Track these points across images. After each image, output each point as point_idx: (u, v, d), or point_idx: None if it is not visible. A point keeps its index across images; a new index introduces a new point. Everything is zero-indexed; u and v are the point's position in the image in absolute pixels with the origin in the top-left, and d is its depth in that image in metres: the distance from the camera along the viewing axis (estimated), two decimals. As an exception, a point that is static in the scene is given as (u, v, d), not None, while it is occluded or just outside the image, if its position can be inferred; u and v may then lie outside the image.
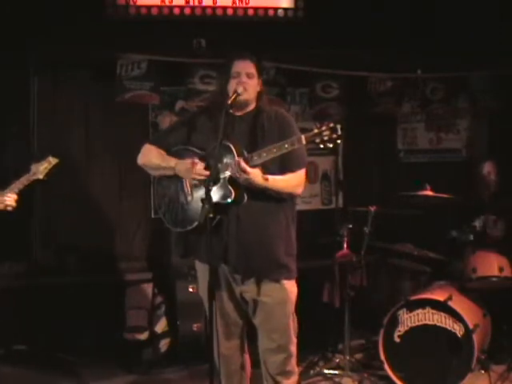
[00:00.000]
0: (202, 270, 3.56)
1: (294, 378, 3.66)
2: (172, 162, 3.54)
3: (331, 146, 3.21)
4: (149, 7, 5.21)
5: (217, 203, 3.33)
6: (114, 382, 4.72)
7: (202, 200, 3.21)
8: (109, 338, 5.03)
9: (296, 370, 3.67)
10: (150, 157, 3.61)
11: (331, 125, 3.16)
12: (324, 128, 3.16)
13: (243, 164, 3.28)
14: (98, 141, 5.52)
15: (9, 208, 3.71)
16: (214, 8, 5.30)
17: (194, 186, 3.49)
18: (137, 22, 5.26)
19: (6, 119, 5.24)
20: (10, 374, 4.67)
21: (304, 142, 3.22)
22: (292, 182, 3.48)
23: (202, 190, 3.37)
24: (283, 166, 3.45)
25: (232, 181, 3.36)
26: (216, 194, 3.36)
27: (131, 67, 5.35)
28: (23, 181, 3.75)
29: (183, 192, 3.53)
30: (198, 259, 3.59)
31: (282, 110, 3.70)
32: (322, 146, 3.21)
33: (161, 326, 5.10)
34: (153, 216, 5.56)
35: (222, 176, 3.36)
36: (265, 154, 3.30)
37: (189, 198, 3.51)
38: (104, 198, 5.51)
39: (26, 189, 3.80)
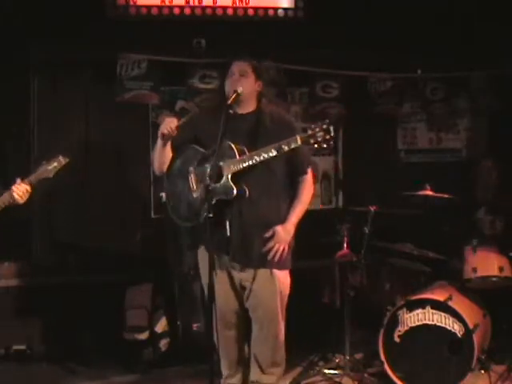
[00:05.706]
0: (205, 258, 3.61)
1: (281, 368, 3.80)
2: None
3: (325, 146, 3.32)
4: (149, 7, 5.22)
5: (220, 200, 3.46)
6: (114, 382, 4.72)
7: (206, 196, 3.35)
8: (109, 338, 5.03)
9: (284, 361, 3.79)
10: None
11: (324, 126, 3.27)
12: (318, 129, 3.28)
13: (287, 229, 3.56)
14: (97, 141, 5.51)
15: (18, 198, 3.53)
16: (213, 8, 5.31)
17: (200, 182, 3.59)
18: (137, 22, 5.26)
19: (6, 119, 5.24)
20: (10, 374, 4.68)
21: (299, 142, 3.33)
22: (306, 196, 3.70)
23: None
24: (293, 169, 3.63)
25: (234, 177, 3.47)
26: (219, 191, 3.47)
27: (131, 67, 5.35)
28: (32, 179, 3.62)
29: (189, 188, 3.64)
30: (205, 247, 3.66)
31: (282, 112, 3.82)
32: (316, 147, 3.32)
33: (161, 325, 5.09)
34: (153, 216, 5.55)
35: (224, 173, 3.46)
36: (265, 155, 3.40)
37: (194, 194, 3.61)
38: (104, 197, 5.50)
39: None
